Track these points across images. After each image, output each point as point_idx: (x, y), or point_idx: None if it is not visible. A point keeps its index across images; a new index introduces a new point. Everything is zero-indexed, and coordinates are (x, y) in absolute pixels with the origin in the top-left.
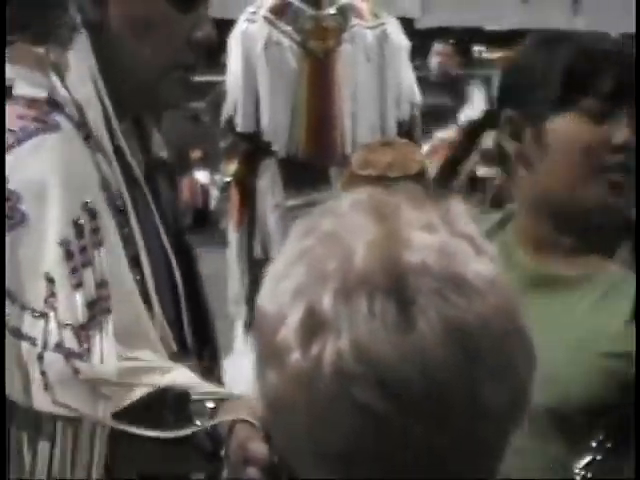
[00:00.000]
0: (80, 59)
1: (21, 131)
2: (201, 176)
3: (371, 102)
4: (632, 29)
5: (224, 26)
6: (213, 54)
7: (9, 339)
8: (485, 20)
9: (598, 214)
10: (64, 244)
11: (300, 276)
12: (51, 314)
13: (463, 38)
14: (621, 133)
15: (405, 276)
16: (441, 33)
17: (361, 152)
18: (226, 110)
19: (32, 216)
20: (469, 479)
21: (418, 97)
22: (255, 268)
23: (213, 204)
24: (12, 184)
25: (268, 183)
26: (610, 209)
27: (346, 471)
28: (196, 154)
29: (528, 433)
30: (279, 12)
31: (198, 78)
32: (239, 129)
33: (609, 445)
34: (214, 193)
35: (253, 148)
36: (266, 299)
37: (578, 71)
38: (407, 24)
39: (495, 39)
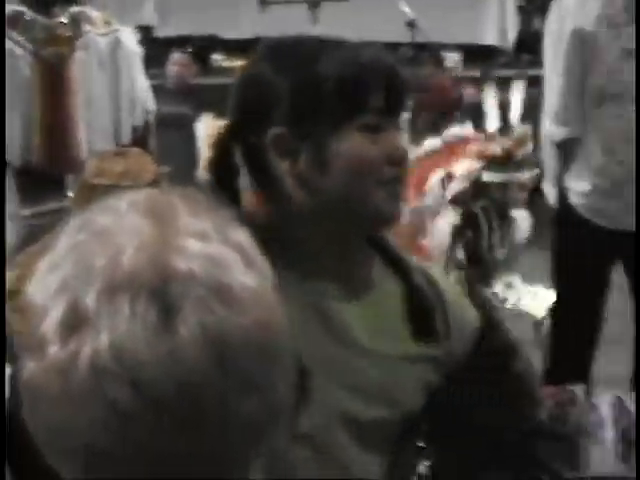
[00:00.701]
0: None
1: None
2: None
3: (105, 109)
4: (366, 37)
5: None
6: None
7: None
8: (223, 28)
9: (375, 223)
10: None
11: (67, 270)
12: None
13: (201, 46)
14: (397, 145)
15: (171, 281)
16: (179, 42)
17: (94, 161)
18: None
19: None
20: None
21: (152, 104)
22: None
23: None
24: None
25: (4, 194)
26: (388, 216)
27: (92, 467)
28: None
29: (360, 446)
30: (11, 22)
31: None
32: None
33: (434, 451)
34: None
35: None
36: (34, 290)
37: (351, 87)
38: (145, 32)
39: (233, 47)
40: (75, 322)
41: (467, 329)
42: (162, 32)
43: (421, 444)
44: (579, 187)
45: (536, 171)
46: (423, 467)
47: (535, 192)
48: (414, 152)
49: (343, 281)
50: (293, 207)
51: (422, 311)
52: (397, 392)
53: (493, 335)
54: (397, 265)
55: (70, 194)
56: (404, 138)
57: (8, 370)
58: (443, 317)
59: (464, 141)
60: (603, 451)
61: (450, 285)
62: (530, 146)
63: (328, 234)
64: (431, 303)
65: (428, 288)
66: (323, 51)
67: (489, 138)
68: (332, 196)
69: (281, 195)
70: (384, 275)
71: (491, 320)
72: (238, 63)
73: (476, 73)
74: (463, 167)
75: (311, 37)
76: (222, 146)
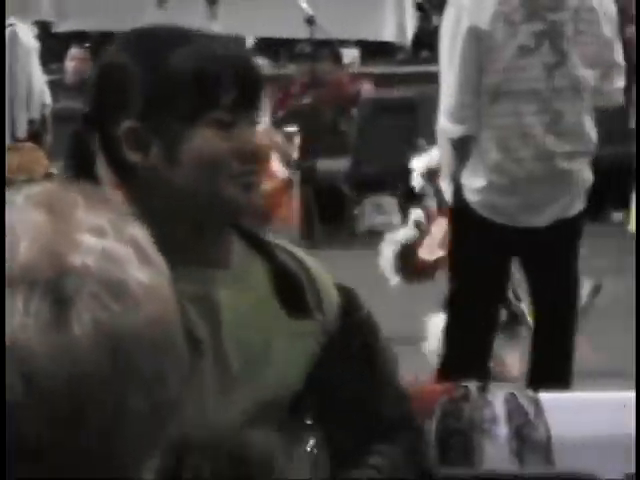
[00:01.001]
0: None
1: None
2: None
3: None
4: (265, 33)
5: None
6: None
7: None
8: (121, 24)
9: (228, 214)
10: None
11: None
12: None
13: (99, 42)
14: (250, 140)
15: (65, 276)
16: (78, 37)
17: None
18: None
19: None
20: (106, 478)
21: (48, 98)
22: None
23: None
24: None
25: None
26: (242, 207)
27: None
28: None
29: (247, 425)
30: None
31: None
32: None
33: (323, 427)
34: None
35: None
36: None
37: (202, 82)
38: (43, 28)
39: None
40: None
41: (333, 304)
42: (60, 27)
43: (308, 421)
44: (474, 184)
45: None
46: (311, 444)
47: None
48: None
49: (204, 267)
50: (146, 198)
51: (291, 288)
52: (277, 371)
53: (355, 312)
54: (259, 247)
55: None
56: (259, 132)
57: None
58: (314, 291)
59: None
60: (497, 447)
61: (314, 262)
62: None
63: (183, 224)
64: (299, 279)
65: (294, 265)
66: (177, 44)
67: None
68: (183, 189)
69: (136, 186)
70: (248, 258)
71: (351, 297)
72: None
73: (374, 69)
74: None
75: (167, 28)
76: (78, 134)
